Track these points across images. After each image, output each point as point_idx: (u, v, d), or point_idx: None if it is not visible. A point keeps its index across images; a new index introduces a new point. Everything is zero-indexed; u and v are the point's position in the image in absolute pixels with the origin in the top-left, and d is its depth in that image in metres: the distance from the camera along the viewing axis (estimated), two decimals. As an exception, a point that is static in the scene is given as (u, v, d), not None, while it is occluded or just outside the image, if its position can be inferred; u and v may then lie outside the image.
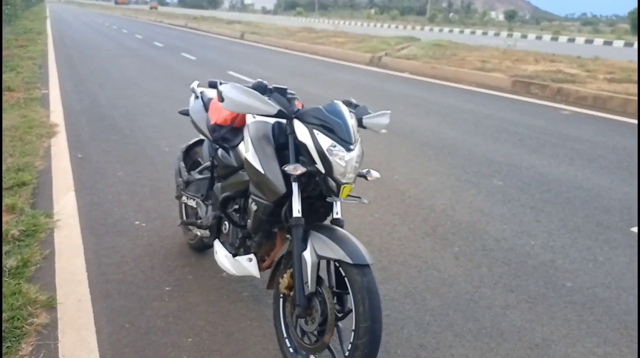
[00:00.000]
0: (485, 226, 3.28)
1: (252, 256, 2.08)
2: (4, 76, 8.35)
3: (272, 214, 1.90)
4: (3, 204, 3.23)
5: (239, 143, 2.10)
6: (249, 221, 2.03)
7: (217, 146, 2.28)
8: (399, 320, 2.25)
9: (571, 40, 27.29)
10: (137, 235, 3.05)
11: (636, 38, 25.37)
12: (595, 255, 2.92)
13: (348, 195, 1.77)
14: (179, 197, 2.81)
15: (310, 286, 1.69)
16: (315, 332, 1.76)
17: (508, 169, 4.43)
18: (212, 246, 2.41)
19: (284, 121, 1.86)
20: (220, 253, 2.26)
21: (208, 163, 2.45)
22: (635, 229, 3.26)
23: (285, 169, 1.73)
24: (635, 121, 6.52)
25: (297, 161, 1.77)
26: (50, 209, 3.31)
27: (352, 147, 1.70)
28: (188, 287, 2.50)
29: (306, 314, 1.75)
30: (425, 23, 47.91)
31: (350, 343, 1.63)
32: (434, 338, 2.13)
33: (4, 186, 3.59)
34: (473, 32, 33.12)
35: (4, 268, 2.45)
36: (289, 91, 1.93)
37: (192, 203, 2.62)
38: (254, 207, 1.95)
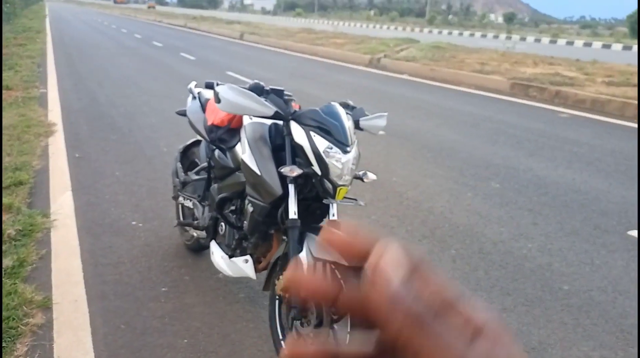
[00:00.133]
0: (482, 229, 3.28)
1: (248, 257, 2.08)
2: (2, 75, 8.33)
3: (269, 216, 1.90)
4: (-1, 203, 3.22)
5: (236, 144, 2.09)
6: (245, 222, 2.03)
7: (214, 147, 2.28)
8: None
9: (570, 43, 27.35)
10: (134, 235, 3.05)
11: (635, 42, 25.43)
12: (592, 258, 2.92)
13: (344, 197, 1.77)
14: (175, 198, 2.81)
15: (306, 288, 1.69)
16: (311, 335, 1.76)
17: (506, 172, 4.44)
18: (208, 247, 2.41)
19: (280, 122, 1.86)
20: (217, 254, 2.25)
21: (205, 164, 2.45)
22: (632, 232, 3.27)
23: (282, 170, 1.73)
24: (633, 124, 6.53)
25: (293, 162, 1.77)
26: (47, 209, 3.30)
27: (348, 149, 1.70)
28: (184, 288, 2.49)
29: (302, 316, 1.74)
30: (425, 25, 48.00)
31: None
32: (430, 340, 2.13)
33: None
34: (472, 35, 33.18)
35: (-1, 268, 2.44)
36: (285, 92, 1.94)
37: (188, 203, 2.62)
38: (250, 208, 1.94)
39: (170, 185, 2.95)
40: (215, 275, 2.57)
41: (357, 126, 1.92)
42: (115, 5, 75.64)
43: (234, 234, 2.18)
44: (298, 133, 1.73)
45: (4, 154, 4.30)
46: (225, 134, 2.17)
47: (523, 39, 28.55)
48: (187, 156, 2.82)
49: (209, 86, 2.11)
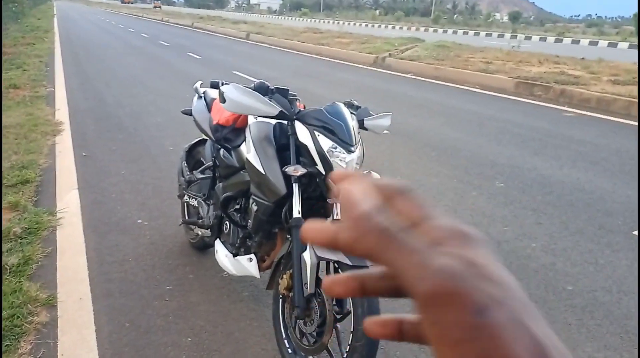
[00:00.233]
0: (486, 228, 3.27)
1: (252, 256, 2.08)
2: (10, 74, 8.40)
3: (273, 215, 1.90)
4: (6, 201, 3.25)
5: (241, 143, 2.10)
6: (249, 221, 2.04)
7: (219, 146, 2.29)
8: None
9: (575, 42, 27.21)
10: (140, 233, 3.06)
11: (642, 40, 25.20)
12: (597, 258, 2.91)
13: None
14: (181, 196, 2.82)
15: (309, 287, 1.70)
16: (314, 333, 1.76)
17: (510, 171, 4.42)
18: (213, 245, 2.42)
19: (285, 122, 1.87)
20: (221, 252, 2.27)
21: (210, 163, 2.46)
22: (637, 232, 3.25)
23: (286, 170, 1.74)
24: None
25: (297, 162, 1.78)
26: (53, 207, 3.33)
27: (352, 148, 1.71)
28: (189, 286, 2.51)
29: (305, 315, 1.75)
30: (430, 24, 47.87)
31: (349, 345, 1.64)
32: (434, 340, 2.13)
33: (7, 183, 3.61)
34: (477, 34, 33.05)
35: (5, 266, 2.46)
36: (290, 91, 1.94)
37: (193, 202, 2.63)
38: (254, 207, 1.95)
39: (176, 184, 2.97)
40: (220, 273, 2.58)
41: (361, 125, 1.93)
42: (123, 5, 75.97)
43: (238, 233, 2.19)
44: (302, 133, 1.74)
45: (10, 152, 4.33)
46: (230, 133, 2.18)
47: (528, 38, 28.42)
48: (192, 155, 2.83)
49: (214, 85, 2.13)
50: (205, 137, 2.60)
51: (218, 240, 2.34)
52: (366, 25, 40.04)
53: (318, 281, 1.72)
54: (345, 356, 1.66)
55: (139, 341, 2.06)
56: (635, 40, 27.52)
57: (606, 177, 4.33)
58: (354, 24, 40.93)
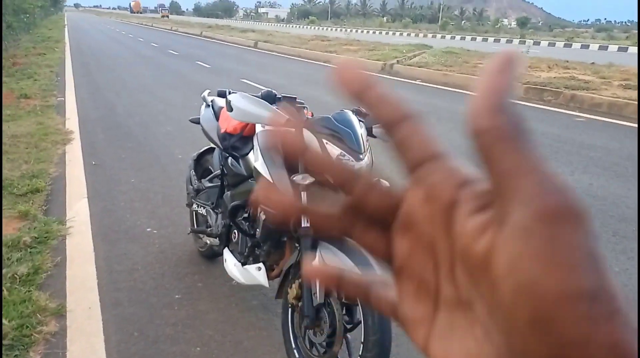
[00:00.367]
0: (498, 235, 3.23)
1: (261, 265, 2.07)
2: (21, 84, 8.51)
3: (281, 224, 1.89)
4: (16, 211, 3.27)
5: (249, 151, 2.10)
6: (258, 230, 2.03)
7: (227, 155, 2.29)
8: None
9: (585, 46, 27.06)
10: (149, 242, 3.06)
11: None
12: (612, 265, 2.85)
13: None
14: (189, 205, 2.82)
15: (318, 297, 1.68)
16: (324, 344, 1.74)
17: (521, 178, 4.37)
18: (222, 254, 2.41)
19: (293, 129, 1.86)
20: (230, 261, 2.25)
21: (218, 171, 2.46)
22: (637, 232, 3.19)
23: (294, 179, 1.72)
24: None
25: (306, 170, 1.76)
26: (63, 216, 3.34)
27: (361, 156, 1.69)
28: (198, 295, 2.50)
29: (315, 325, 1.73)
30: (437, 31, 47.89)
31: (359, 355, 1.61)
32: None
33: (17, 192, 3.64)
34: (485, 40, 33.01)
35: (15, 276, 2.47)
36: (298, 99, 1.93)
37: (202, 211, 2.63)
38: (262, 216, 1.94)
39: (185, 192, 2.97)
40: (229, 282, 2.56)
41: (370, 133, 1.91)
42: (132, 15, 77.02)
43: (247, 242, 2.18)
44: (310, 141, 1.72)
45: (21, 161, 4.37)
46: (238, 142, 2.18)
47: (537, 43, 28.32)
48: (200, 164, 2.83)
49: (221, 94, 2.12)
50: (213, 145, 2.60)
51: (227, 248, 2.33)
52: (374, 33, 40.16)
53: (327, 291, 1.70)
54: (355, 367, 1.63)
55: (147, 350, 2.05)
56: (645, 45, 27.29)
57: (619, 182, 4.27)
58: (362, 32, 41.07)
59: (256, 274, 2.08)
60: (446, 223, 0.20)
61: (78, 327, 2.17)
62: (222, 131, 2.24)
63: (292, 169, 1.82)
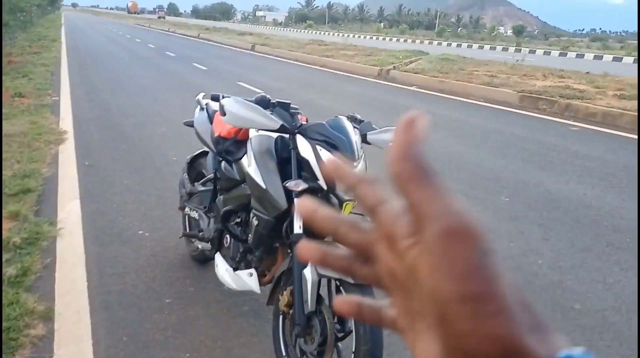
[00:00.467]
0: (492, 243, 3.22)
1: (252, 270, 2.05)
2: (16, 82, 8.45)
3: (273, 230, 1.87)
4: (7, 211, 3.23)
5: (242, 156, 2.08)
6: (250, 235, 2.01)
7: (221, 159, 2.27)
8: (400, 342, 2.19)
9: (580, 56, 27.26)
10: (141, 244, 3.03)
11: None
12: (605, 276, 2.85)
13: (351, 212, 1.74)
14: (182, 208, 2.80)
15: (310, 305, 1.66)
16: (315, 352, 1.72)
17: (515, 186, 4.38)
18: (214, 259, 2.39)
19: (287, 135, 1.84)
20: (221, 266, 2.23)
21: (211, 175, 2.44)
22: (637, 242, 3.19)
23: (287, 185, 1.71)
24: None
25: (299, 176, 1.75)
26: (54, 217, 3.31)
27: (355, 163, 1.68)
28: (189, 300, 2.47)
29: (305, 333, 1.71)
30: (434, 37, 48.16)
31: (351, 364, 1.59)
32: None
33: (9, 192, 3.60)
34: (481, 47, 33.19)
35: (3, 277, 2.43)
36: (292, 105, 1.92)
37: (194, 214, 2.60)
38: (255, 222, 1.92)
39: (179, 195, 2.94)
40: (220, 287, 2.53)
41: (364, 140, 1.90)
42: (130, 15, 76.88)
43: (239, 247, 2.16)
44: (304, 147, 1.71)
45: (13, 161, 4.33)
46: (232, 146, 2.16)
47: (532, 51, 28.50)
48: (194, 167, 2.81)
49: (215, 98, 2.11)
50: (207, 149, 2.58)
51: (218, 253, 2.31)
52: (371, 38, 40.30)
53: (319, 298, 1.68)
54: (346, 376, 1.62)
55: (136, 356, 2.02)
56: (640, 55, 27.53)
57: (614, 193, 4.28)
58: (359, 37, 41.19)
59: (248, 280, 2.06)
60: (393, 249, 0.25)
61: (66, 330, 2.14)
62: (216, 134, 2.22)
63: (284, 176, 1.81)
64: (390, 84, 11.43)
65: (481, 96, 9.52)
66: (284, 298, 1.80)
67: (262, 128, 1.78)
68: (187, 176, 2.77)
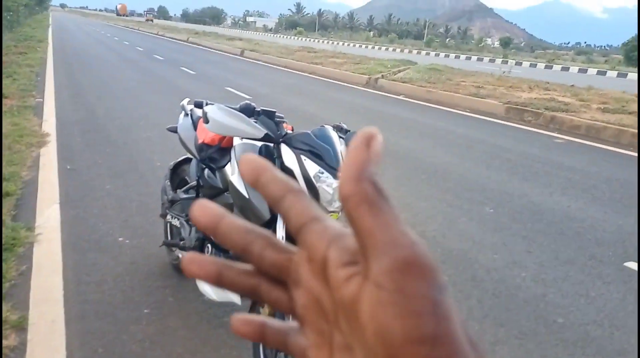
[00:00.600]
0: (476, 255, 3.22)
1: (234, 281, 2.00)
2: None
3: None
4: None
5: (226, 164, 2.04)
6: (232, 245, 1.97)
7: (204, 166, 2.23)
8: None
9: (565, 69, 27.72)
10: (120, 252, 2.97)
11: (629, 69, 25.77)
12: (588, 289, 2.86)
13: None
14: (164, 216, 2.74)
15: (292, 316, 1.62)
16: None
17: (500, 197, 4.40)
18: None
19: (271, 144, 1.81)
20: (202, 276, 2.18)
21: (194, 183, 2.39)
22: (629, 264, 3.21)
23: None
24: (629, 152, 6.54)
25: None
26: (32, 222, 3.22)
27: (339, 174, 1.65)
28: (168, 310, 2.41)
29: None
30: (422, 47, 48.67)
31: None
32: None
33: (-14, 196, 3.50)
34: (469, 58, 33.60)
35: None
36: (277, 114, 1.89)
37: (176, 222, 2.55)
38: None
39: (160, 202, 2.89)
40: (201, 297, 2.48)
41: (349, 150, 1.88)
42: (119, 18, 76.38)
43: (220, 257, 2.12)
44: (288, 157, 1.68)
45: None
46: (216, 153, 2.13)
47: (519, 63, 28.91)
48: (177, 173, 2.76)
49: (198, 104, 2.07)
50: (190, 156, 2.54)
51: (200, 262, 2.26)
52: (360, 46, 40.55)
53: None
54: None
55: (111, 368, 1.96)
56: (624, 69, 28.11)
57: (597, 205, 4.32)
58: (348, 45, 41.42)
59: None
60: (324, 277, 0.22)
61: (39, 341, 2.07)
62: (200, 141, 2.18)
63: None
64: (378, 92, 11.47)
65: (467, 107, 9.60)
66: (265, 310, 1.76)
67: (245, 137, 1.75)
68: (169, 182, 2.72)
